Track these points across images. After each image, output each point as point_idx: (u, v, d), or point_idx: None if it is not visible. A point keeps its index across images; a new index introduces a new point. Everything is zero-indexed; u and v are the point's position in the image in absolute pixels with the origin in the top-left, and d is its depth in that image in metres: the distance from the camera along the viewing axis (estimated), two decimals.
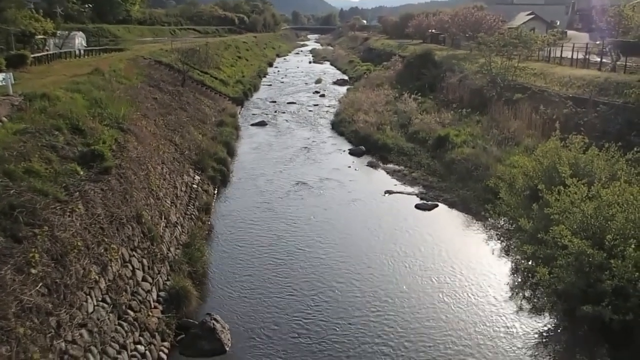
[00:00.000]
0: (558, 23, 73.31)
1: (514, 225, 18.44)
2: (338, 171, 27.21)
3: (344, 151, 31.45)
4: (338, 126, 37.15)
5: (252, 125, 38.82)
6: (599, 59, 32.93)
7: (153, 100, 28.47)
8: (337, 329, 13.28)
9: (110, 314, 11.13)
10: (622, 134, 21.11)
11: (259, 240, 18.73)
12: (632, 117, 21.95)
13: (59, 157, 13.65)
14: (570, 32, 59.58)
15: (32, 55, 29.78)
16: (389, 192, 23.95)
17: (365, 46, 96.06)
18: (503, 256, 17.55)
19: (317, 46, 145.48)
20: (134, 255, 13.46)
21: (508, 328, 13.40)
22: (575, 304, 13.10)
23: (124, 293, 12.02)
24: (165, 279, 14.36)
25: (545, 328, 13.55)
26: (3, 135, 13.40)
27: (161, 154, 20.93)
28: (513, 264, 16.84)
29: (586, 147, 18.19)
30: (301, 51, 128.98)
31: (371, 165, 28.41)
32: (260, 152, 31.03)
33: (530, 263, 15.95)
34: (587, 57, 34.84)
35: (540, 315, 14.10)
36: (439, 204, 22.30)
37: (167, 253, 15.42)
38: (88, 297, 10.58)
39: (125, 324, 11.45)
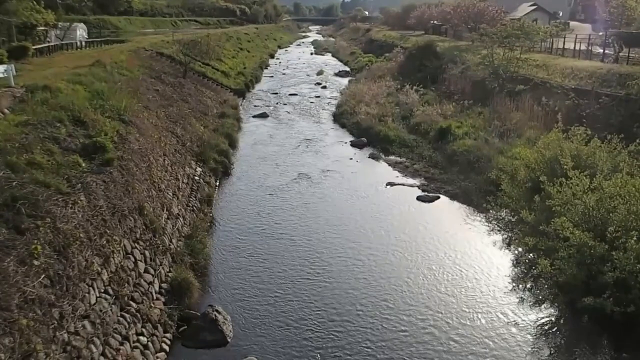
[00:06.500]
0: (561, 14, 72.95)
1: (515, 217, 18.45)
2: (339, 163, 27.19)
3: (346, 143, 31.41)
4: (340, 118, 37.05)
5: (254, 117, 38.76)
6: (601, 51, 32.78)
7: (155, 92, 28.42)
8: (338, 320, 13.31)
9: (113, 306, 11.17)
10: (625, 125, 21.02)
11: (261, 231, 18.77)
12: (634, 109, 21.88)
13: (60, 149, 13.65)
14: (572, 23, 59.24)
15: (34, 47, 29.66)
16: (391, 184, 23.94)
17: (367, 38, 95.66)
18: (504, 248, 17.55)
19: (319, 38, 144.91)
20: (136, 247, 13.49)
21: (509, 319, 13.42)
22: (577, 296, 13.13)
23: (126, 285, 12.06)
24: (167, 270, 14.40)
25: (547, 320, 13.56)
26: (5, 127, 13.39)
27: (163, 146, 20.93)
28: (514, 256, 16.85)
29: (588, 139, 18.16)
30: (303, 43, 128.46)
31: (373, 157, 28.37)
32: (262, 144, 31.00)
33: (531, 255, 15.96)
34: (589, 48, 34.70)
35: (541, 307, 14.13)
36: (441, 195, 22.29)
37: (169, 245, 15.45)
38: (90, 288, 10.62)
39: (127, 316, 11.49)
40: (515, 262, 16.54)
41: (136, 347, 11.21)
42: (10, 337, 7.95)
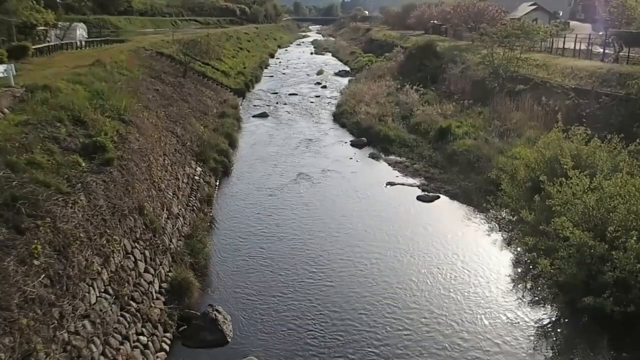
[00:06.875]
0: (561, 14, 73.02)
1: (515, 217, 18.45)
2: (339, 163, 27.18)
3: (346, 143, 31.40)
4: (340, 118, 37.04)
5: (254, 116, 38.75)
6: (601, 50, 32.78)
7: (154, 91, 28.42)
8: (339, 320, 13.31)
9: (113, 305, 11.17)
10: (625, 125, 21.03)
11: (261, 231, 18.76)
12: (634, 109, 21.88)
13: (60, 149, 13.64)
14: (573, 23, 59.30)
15: (34, 47, 29.65)
16: (391, 183, 23.93)
17: (367, 37, 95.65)
18: (504, 248, 17.54)
19: (319, 37, 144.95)
20: (136, 247, 13.49)
21: (509, 319, 13.41)
22: (577, 296, 13.14)
23: (126, 284, 12.06)
24: (167, 270, 14.40)
25: (547, 319, 13.56)
26: (5, 127, 13.39)
27: (163, 146, 20.92)
28: (515, 256, 16.85)
29: (588, 139, 18.16)
30: (303, 42, 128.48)
31: (373, 156, 28.36)
32: (262, 144, 30.99)
33: (531, 255, 15.96)
34: (589, 48, 34.69)
35: (541, 306, 14.13)
36: (441, 195, 22.28)
37: (169, 244, 15.45)
38: (90, 288, 10.62)
39: (127, 315, 11.49)
40: (515, 261, 16.54)
41: (136, 347, 11.22)
42: (10, 337, 7.95)
